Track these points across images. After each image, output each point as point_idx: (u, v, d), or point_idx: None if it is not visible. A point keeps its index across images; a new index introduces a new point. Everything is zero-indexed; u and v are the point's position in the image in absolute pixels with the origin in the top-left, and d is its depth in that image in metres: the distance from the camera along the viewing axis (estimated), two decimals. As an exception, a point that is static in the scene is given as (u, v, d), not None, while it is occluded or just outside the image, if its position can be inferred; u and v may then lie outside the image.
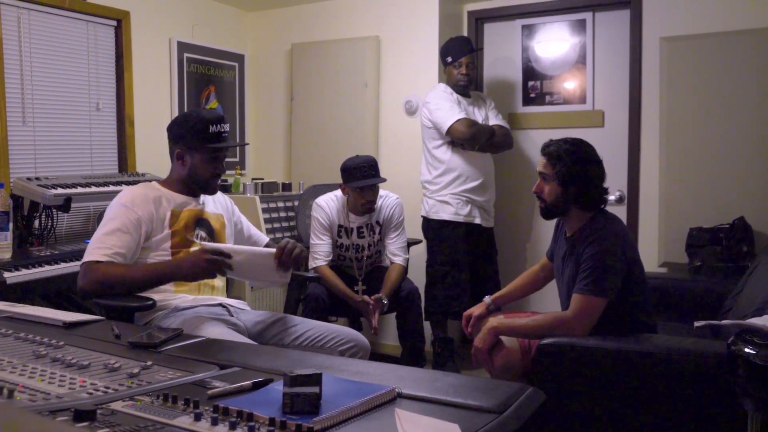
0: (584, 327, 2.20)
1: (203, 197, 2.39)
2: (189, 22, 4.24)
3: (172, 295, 2.20)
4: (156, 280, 2.11)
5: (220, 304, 2.27)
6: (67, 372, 1.26)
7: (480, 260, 3.79)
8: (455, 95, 3.70)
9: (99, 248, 2.10)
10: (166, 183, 2.34)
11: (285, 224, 4.04)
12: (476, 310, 2.63)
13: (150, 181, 2.40)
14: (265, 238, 2.62)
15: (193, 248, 2.25)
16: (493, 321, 2.36)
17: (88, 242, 2.18)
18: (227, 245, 2.23)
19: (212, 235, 2.34)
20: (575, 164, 2.28)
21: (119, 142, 3.80)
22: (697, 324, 1.92)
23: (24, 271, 2.68)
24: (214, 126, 2.25)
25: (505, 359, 2.33)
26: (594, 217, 2.32)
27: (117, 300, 2.06)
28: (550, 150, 2.33)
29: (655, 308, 2.50)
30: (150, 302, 2.05)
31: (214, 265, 2.02)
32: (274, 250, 2.13)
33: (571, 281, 2.30)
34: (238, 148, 4.62)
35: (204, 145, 2.25)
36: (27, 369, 1.27)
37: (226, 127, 2.30)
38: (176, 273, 2.09)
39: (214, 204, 2.44)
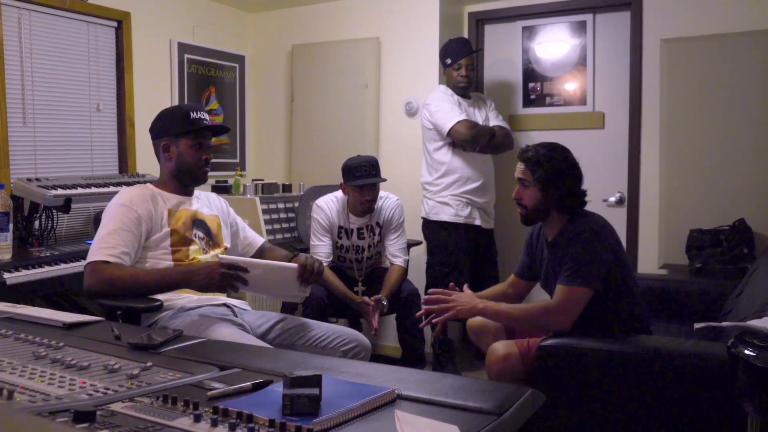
0: (568, 317, 2.22)
1: (197, 198, 2.39)
2: (189, 23, 4.25)
3: (177, 295, 2.20)
4: (166, 287, 2.11)
5: (225, 304, 2.27)
6: (66, 373, 1.26)
7: (480, 262, 3.79)
8: (455, 96, 3.70)
9: (103, 248, 2.09)
10: (158, 184, 2.35)
11: (285, 225, 4.03)
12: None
13: (147, 182, 2.40)
14: (261, 240, 2.60)
15: (193, 247, 2.25)
16: (479, 303, 2.37)
17: (88, 243, 2.18)
18: (245, 258, 2.19)
19: (209, 236, 2.34)
20: (554, 168, 2.31)
21: (119, 143, 3.80)
22: (697, 326, 1.91)
23: (24, 272, 2.68)
24: (194, 113, 2.29)
25: (505, 363, 2.33)
26: (573, 218, 2.35)
27: (124, 301, 2.06)
28: (528, 155, 2.36)
29: (654, 310, 2.51)
30: (158, 303, 2.05)
31: (229, 279, 2.02)
32: (294, 265, 2.10)
33: None
34: (239, 148, 4.62)
35: (187, 130, 2.27)
36: (27, 370, 1.27)
37: (206, 114, 2.33)
38: (189, 282, 2.09)
39: (210, 206, 2.44)
